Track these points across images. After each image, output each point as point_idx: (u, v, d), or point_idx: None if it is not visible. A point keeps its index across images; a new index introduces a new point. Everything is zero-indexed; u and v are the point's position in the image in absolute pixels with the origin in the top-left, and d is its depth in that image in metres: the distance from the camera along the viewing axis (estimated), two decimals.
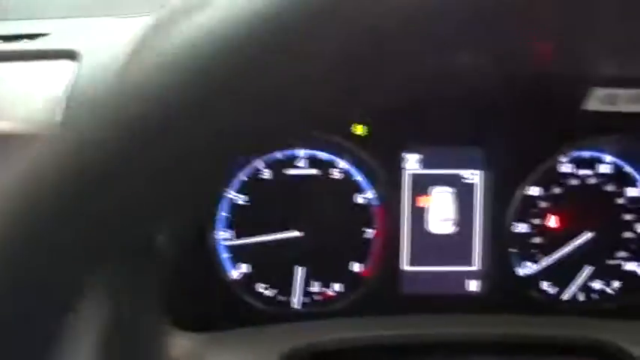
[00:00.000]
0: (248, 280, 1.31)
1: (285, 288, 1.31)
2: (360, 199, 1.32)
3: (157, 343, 1.08)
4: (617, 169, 1.35)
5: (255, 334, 1.24)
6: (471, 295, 1.37)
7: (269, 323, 1.27)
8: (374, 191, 1.30)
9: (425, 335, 1.28)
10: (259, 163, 1.30)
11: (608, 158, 1.34)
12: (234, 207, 1.30)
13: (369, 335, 1.26)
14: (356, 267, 1.33)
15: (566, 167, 1.34)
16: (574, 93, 1.15)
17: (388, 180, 1.32)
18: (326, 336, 1.24)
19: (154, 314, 1.07)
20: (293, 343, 1.21)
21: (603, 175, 1.34)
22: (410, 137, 1.33)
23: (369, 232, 1.33)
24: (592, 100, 1.14)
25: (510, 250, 1.34)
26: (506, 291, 1.34)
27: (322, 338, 1.24)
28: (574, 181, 1.34)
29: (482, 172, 1.34)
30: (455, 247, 1.36)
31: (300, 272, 1.29)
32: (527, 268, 1.35)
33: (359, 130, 1.30)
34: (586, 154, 1.34)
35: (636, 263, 1.36)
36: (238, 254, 1.31)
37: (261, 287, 1.32)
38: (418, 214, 1.34)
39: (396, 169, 1.33)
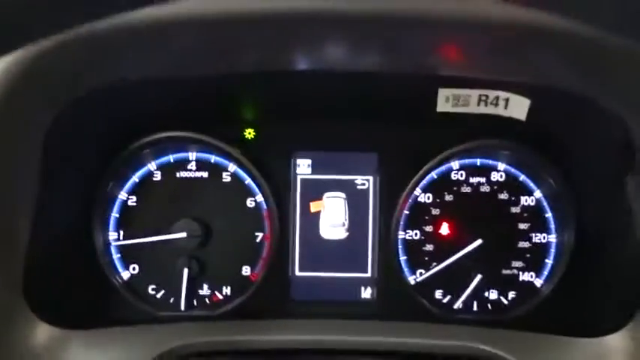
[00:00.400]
0: (137, 281, 1.32)
1: (174, 290, 1.31)
2: (250, 202, 1.33)
3: (16, 333, 1.09)
4: (511, 177, 1.34)
5: (135, 333, 1.24)
6: (364, 303, 1.35)
7: (154, 324, 1.27)
8: (264, 195, 1.31)
9: (308, 340, 1.26)
10: (152, 166, 1.32)
11: (501, 166, 1.34)
12: (125, 208, 1.32)
13: (250, 339, 1.25)
14: (245, 271, 1.33)
15: (458, 174, 1.34)
16: (425, 94, 1.16)
17: (278, 184, 1.33)
18: (205, 338, 1.24)
19: (13, 304, 1.09)
20: (170, 343, 1.21)
21: (496, 182, 1.34)
22: (300, 142, 1.34)
23: (259, 236, 1.33)
24: (441, 101, 1.15)
25: (402, 257, 1.33)
26: (398, 299, 1.33)
27: (200, 340, 1.23)
28: (466, 189, 1.34)
29: (375, 177, 1.35)
30: (347, 253, 1.35)
31: (185, 274, 1.29)
32: (418, 276, 1.34)
33: (248, 133, 1.32)
34: (478, 161, 1.34)
35: (532, 273, 1.34)
36: (128, 255, 1.32)
37: (149, 289, 1.32)
38: (309, 219, 1.35)
39: (286, 173, 1.34)
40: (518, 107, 1.14)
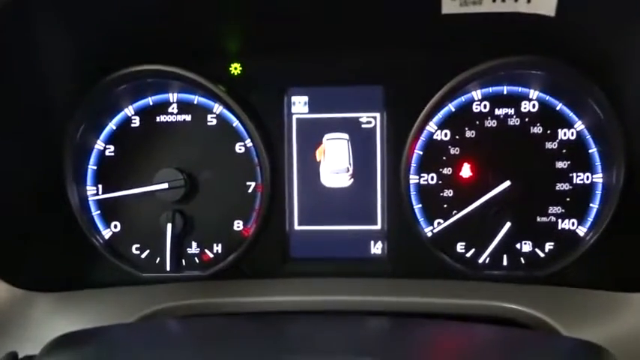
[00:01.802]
0: (119, 240, 1.19)
1: (159, 249, 1.17)
2: (239, 148, 1.17)
3: None
4: (546, 106, 1.12)
5: (115, 295, 1.12)
6: (374, 259, 1.18)
7: (139, 285, 1.14)
8: (254, 139, 1.14)
9: (310, 302, 1.10)
10: (129, 110, 1.18)
11: (534, 94, 1.12)
12: (103, 159, 1.18)
13: (244, 301, 1.11)
14: (237, 225, 1.18)
15: (480, 106, 1.13)
16: None
17: (270, 126, 1.16)
18: (194, 300, 1.10)
19: None
20: (154, 306, 1.08)
21: (528, 114, 1.12)
22: (294, 76, 1.16)
23: (251, 186, 1.17)
24: (446, 1, 0.94)
25: (416, 205, 1.14)
26: (413, 254, 1.15)
27: (188, 302, 1.09)
28: (491, 123, 1.13)
29: (382, 114, 1.16)
30: (353, 203, 1.17)
31: (169, 230, 1.15)
32: (436, 227, 1.14)
33: (234, 69, 1.16)
34: (505, 89, 1.13)
35: (574, 220, 1.12)
36: (108, 212, 1.19)
37: (133, 248, 1.19)
38: (308, 165, 1.17)
39: (279, 113, 1.17)
40: None
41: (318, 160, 1.17)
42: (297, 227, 1.18)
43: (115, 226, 1.19)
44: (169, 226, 1.15)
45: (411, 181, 1.13)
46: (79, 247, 1.17)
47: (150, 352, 0.76)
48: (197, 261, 1.18)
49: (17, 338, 1.00)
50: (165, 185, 1.15)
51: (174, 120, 1.17)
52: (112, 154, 1.18)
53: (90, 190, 1.18)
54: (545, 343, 0.81)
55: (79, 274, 1.16)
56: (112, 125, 1.18)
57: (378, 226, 1.17)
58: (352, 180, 1.17)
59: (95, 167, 1.18)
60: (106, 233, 1.19)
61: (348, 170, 1.17)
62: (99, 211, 1.19)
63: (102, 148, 1.18)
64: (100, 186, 1.18)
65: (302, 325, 0.92)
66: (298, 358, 0.75)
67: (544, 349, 0.79)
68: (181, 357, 0.74)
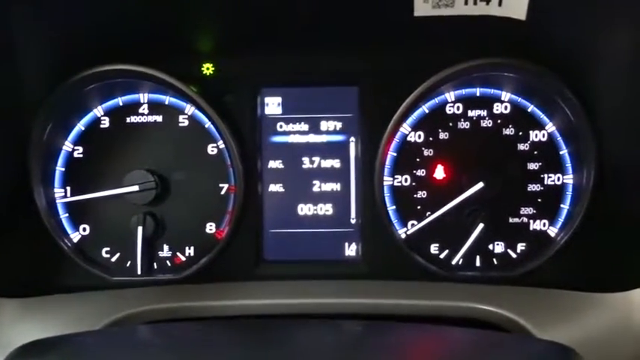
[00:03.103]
0: (88, 243, 1.16)
1: (130, 252, 1.15)
2: (211, 149, 1.15)
3: None
4: (518, 108, 1.13)
5: (84, 299, 1.09)
6: (348, 261, 1.17)
7: (108, 289, 1.12)
8: (227, 140, 1.13)
9: (284, 305, 1.09)
10: (98, 111, 1.15)
11: (506, 96, 1.13)
12: (71, 160, 1.15)
13: (217, 304, 1.09)
14: (210, 228, 1.16)
15: (454, 108, 1.14)
16: None
17: (243, 127, 1.15)
18: (165, 304, 1.08)
19: None
20: (124, 310, 1.06)
21: (500, 115, 1.13)
22: (267, 76, 1.15)
23: (224, 188, 1.15)
24: (419, 3, 0.94)
25: (390, 207, 1.14)
26: (387, 255, 1.15)
27: (159, 306, 1.08)
28: (464, 124, 1.13)
29: (355, 115, 1.15)
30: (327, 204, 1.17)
31: (140, 233, 1.13)
32: (410, 228, 1.14)
33: (206, 69, 1.14)
34: (478, 91, 1.13)
35: (545, 221, 1.13)
36: (77, 214, 1.16)
37: (103, 252, 1.16)
38: None
39: (252, 114, 1.15)
40: (515, 1, 0.92)
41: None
42: (269, 229, 1.17)
43: (84, 229, 1.16)
44: (140, 229, 1.13)
45: (385, 183, 1.13)
46: (47, 250, 1.14)
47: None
48: (169, 264, 1.16)
49: None
50: (135, 187, 1.13)
51: (144, 121, 1.15)
52: (81, 155, 1.15)
53: (58, 192, 1.15)
54: (517, 346, 0.82)
55: (47, 279, 1.13)
56: (80, 126, 1.15)
57: (353, 228, 1.17)
58: None
59: (63, 169, 1.15)
60: (75, 236, 1.16)
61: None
62: (67, 214, 1.16)
63: (70, 150, 1.15)
64: (68, 188, 1.15)
65: (275, 330, 0.91)
66: None
67: (515, 351, 0.79)
68: None
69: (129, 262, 1.15)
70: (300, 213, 1.17)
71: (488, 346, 0.79)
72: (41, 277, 1.13)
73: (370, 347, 0.82)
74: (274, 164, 1.16)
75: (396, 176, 1.14)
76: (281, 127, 1.16)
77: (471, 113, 1.13)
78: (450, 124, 1.13)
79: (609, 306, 0.98)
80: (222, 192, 1.15)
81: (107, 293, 1.11)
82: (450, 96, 1.13)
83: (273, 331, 0.86)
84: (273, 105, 1.16)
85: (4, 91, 1.03)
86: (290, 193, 1.16)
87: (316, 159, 1.16)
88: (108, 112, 1.15)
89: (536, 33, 1.01)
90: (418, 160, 1.14)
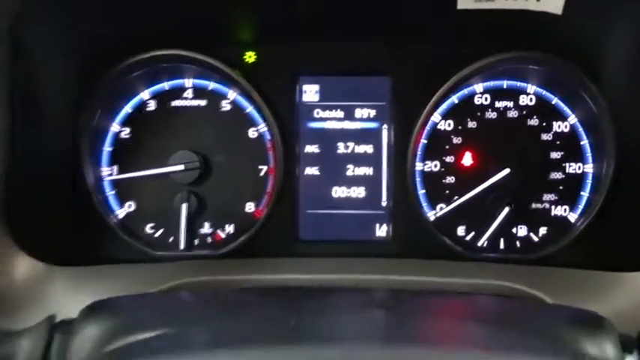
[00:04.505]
0: (133, 219, 1.22)
1: (173, 229, 1.21)
2: (252, 133, 1.22)
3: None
4: (543, 100, 1.20)
5: (131, 271, 1.15)
6: (379, 241, 1.24)
7: (151, 262, 1.18)
8: (267, 124, 1.20)
9: (317, 280, 1.15)
10: (144, 95, 1.22)
11: (531, 88, 1.20)
12: (118, 141, 1.22)
13: (254, 279, 1.15)
14: (249, 207, 1.23)
15: (482, 98, 1.20)
16: None
17: (282, 113, 1.21)
18: (206, 277, 1.14)
19: None
20: (168, 282, 1.12)
21: (525, 107, 1.20)
22: (306, 65, 1.22)
23: (263, 170, 1.22)
24: None
25: (420, 190, 1.21)
26: (416, 237, 1.21)
27: (200, 279, 1.14)
28: (491, 114, 1.20)
29: (389, 103, 1.22)
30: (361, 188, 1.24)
31: (184, 211, 1.19)
32: (438, 211, 1.21)
33: (249, 57, 1.20)
34: (505, 83, 1.20)
35: (566, 207, 1.20)
36: (123, 192, 1.22)
37: (147, 227, 1.23)
38: None
39: (290, 100, 1.22)
40: None
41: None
42: (306, 210, 1.24)
43: (130, 206, 1.22)
44: (184, 206, 1.20)
45: (416, 168, 1.20)
46: (95, 225, 1.20)
47: (191, 316, 0.81)
48: (209, 241, 1.23)
49: (40, 310, 1.03)
50: (180, 167, 1.19)
51: (189, 105, 1.22)
52: (128, 136, 1.22)
53: (105, 171, 1.22)
54: (552, 312, 0.88)
55: (95, 251, 1.20)
56: (127, 108, 1.22)
57: (383, 210, 1.23)
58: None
59: (111, 149, 1.22)
60: (121, 212, 1.22)
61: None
62: (114, 191, 1.22)
63: (118, 131, 1.22)
64: (115, 167, 1.22)
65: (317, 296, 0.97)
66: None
67: (550, 316, 0.86)
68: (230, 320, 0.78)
69: (171, 238, 1.22)
70: (334, 195, 1.23)
71: (525, 312, 0.86)
72: (89, 249, 1.19)
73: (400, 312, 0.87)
74: (311, 148, 1.23)
75: (426, 162, 1.21)
76: (318, 113, 1.23)
77: (497, 104, 1.20)
78: (478, 113, 1.20)
79: (631, 284, 1.05)
80: (262, 173, 1.22)
81: (152, 266, 1.17)
82: (479, 87, 1.20)
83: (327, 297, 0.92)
84: (310, 92, 1.22)
85: (56, 79, 1.10)
86: (325, 176, 1.23)
87: (350, 144, 1.23)
88: (154, 96, 1.22)
89: (564, 27, 1.08)
90: (447, 147, 1.21)
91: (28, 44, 0.97)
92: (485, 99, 1.20)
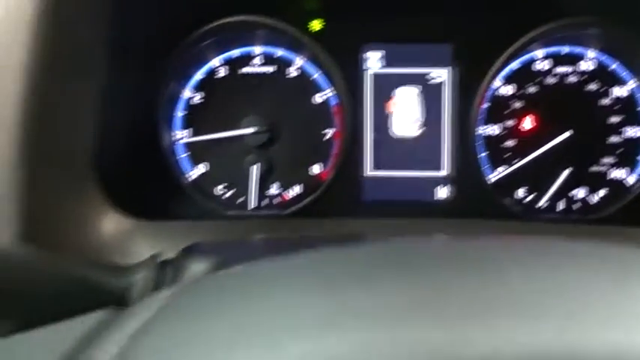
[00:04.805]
0: (205, 180, 1.29)
1: (242, 189, 1.27)
2: (318, 98, 1.27)
3: (90, 222, 1.09)
4: (602, 66, 1.23)
5: (205, 227, 1.21)
6: (439, 203, 1.28)
7: (221, 221, 1.24)
8: (333, 90, 1.25)
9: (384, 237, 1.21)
10: (215, 62, 1.28)
11: (591, 54, 1.23)
12: (190, 106, 1.28)
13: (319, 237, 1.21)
14: (315, 169, 1.28)
15: (542, 64, 1.24)
16: None
17: (347, 79, 1.26)
18: (273, 234, 1.20)
19: (85, 191, 1.08)
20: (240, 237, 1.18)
21: (585, 72, 1.23)
22: (371, 33, 1.26)
23: (329, 133, 1.27)
24: None
25: (481, 153, 1.25)
26: (476, 198, 1.25)
27: (268, 237, 1.19)
28: (551, 80, 1.24)
29: (451, 69, 1.26)
30: (422, 151, 1.28)
31: (255, 172, 1.25)
32: (499, 173, 1.25)
33: (315, 25, 1.25)
34: (565, 49, 1.24)
35: (623, 170, 1.23)
36: (195, 154, 1.29)
37: (217, 188, 1.29)
38: (381, 115, 1.27)
39: (356, 67, 1.27)
40: None
41: (390, 111, 1.28)
42: (369, 172, 1.29)
43: (202, 168, 1.29)
44: (253, 168, 1.26)
45: (477, 132, 1.24)
46: (169, 185, 1.27)
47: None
48: (276, 201, 1.29)
49: (125, 261, 1.10)
50: (250, 130, 1.25)
51: (257, 71, 1.27)
52: (200, 101, 1.28)
53: (179, 134, 1.28)
54: None
55: (171, 209, 1.26)
56: (199, 75, 1.28)
57: (444, 173, 1.28)
58: (421, 130, 1.27)
59: (184, 113, 1.28)
60: (193, 174, 1.29)
61: (418, 121, 1.27)
62: (187, 154, 1.29)
63: (190, 96, 1.28)
64: (187, 130, 1.28)
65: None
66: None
67: None
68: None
69: (241, 198, 1.28)
70: (397, 158, 1.28)
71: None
72: (166, 207, 1.25)
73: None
74: (374, 113, 1.27)
75: (487, 126, 1.25)
76: (381, 79, 1.27)
77: (558, 69, 1.23)
78: (539, 79, 1.24)
79: None
80: (327, 137, 1.27)
81: (220, 224, 1.23)
82: (539, 53, 1.23)
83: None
84: (375, 59, 1.27)
85: (131, 51, 1.16)
86: (388, 140, 1.27)
87: (413, 109, 1.27)
88: (224, 63, 1.27)
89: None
90: (508, 111, 1.24)
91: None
92: (546, 64, 1.23)
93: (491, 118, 1.25)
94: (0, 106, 0.88)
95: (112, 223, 1.09)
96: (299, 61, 1.26)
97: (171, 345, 0.32)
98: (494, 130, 1.25)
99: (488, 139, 1.25)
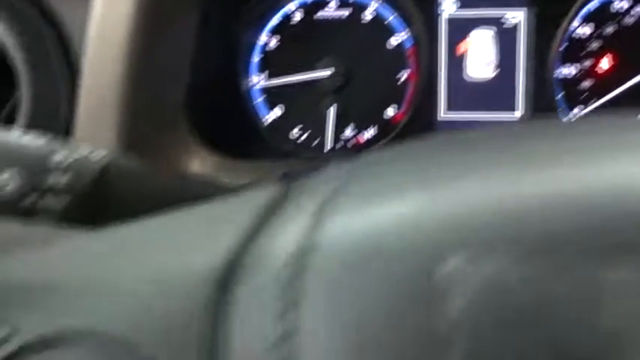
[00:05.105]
0: (281, 123, 1.31)
1: (318, 132, 1.30)
2: (392, 41, 1.28)
3: (179, 157, 1.13)
4: None
5: (283, 167, 1.24)
6: None
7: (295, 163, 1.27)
8: (408, 32, 1.26)
9: None
10: (291, 6, 1.29)
11: None
12: (266, 51, 1.30)
13: None
14: (390, 111, 1.30)
15: (621, 4, 1.23)
16: None
17: (422, 21, 1.27)
18: None
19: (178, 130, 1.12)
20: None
21: None
22: None
23: (403, 75, 1.28)
24: None
25: (557, 95, 1.25)
26: None
27: None
28: (629, 20, 1.23)
29: (526, 10, 1.26)
30: (496, 92, 1.28)
31: (332, 114, 1.27)
32: (575, 114, 1.25)
33: None
34: None
35: None
36: (271, 98, 1.31)
37: (293, 131, 1.31)
38: (456, 57, 1.28)
39: (431, 9, 1.27)
40: None
41: (464, 52, 1.28)
42: (443, 115, 1.30)
43: (278, 111, 1.31)
44: (329, 111, 1.28)
45: (554, 73, 1.24)
46: (245, 128, 1.30)
47: None
48: (351, 144, 1.31)
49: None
50: (326, 72, 1.27)
51: (332, 15, 1.29)
52: (276, 46, 1.30)
53: (255, 78, 1.31)
54: None
55: (251, 150, 1.30)
56: (275, 20, 1.30)
57: (519, 114, 1.28)
58: (496, 72, 1.28)
59: (260, 58, 1.30)
60: (269, 117, 1.31)
61: (493, 63, 1.28)
62: (263, 98, 1.31)
63: (266, 41, 1.30)
64: (264, 75, 1.31)
65: None
66: None
67: None
68: None
69: (316, 141, 1.31)
70: (471, 100, 1.29)
71: None
72: (245, 148, 1.29)
73: None
74: (450, 56, 1.28)
75: (563, 67, 1.25)
76: (456, 21, 1.28)
77: (637, 9, 1.22)
78: (616, 19, 1.23)
79: None
80: (402, 79, 1.28)
81: (297, 165, 1.26)
82: None
83: None
84: (449, 1, 1.27)
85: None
86: (462, 81, 1.28)
87: (488, 50, 1.27)
88: (299, 7, 1.29)
89: None
90: (585, 52, 1.24)
91: None
92: (625, 4, 1.22)
93: (567, 58, 1.24)
94: (109, 46, 0.93)
95: (199, 161, 1.13)
96: (374, 4, 1.27)
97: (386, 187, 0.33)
98: (570, 71, 1.25)
99: (565, 80, 1.25)
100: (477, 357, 0.23)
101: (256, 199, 0.35)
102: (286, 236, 0.29)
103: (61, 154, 0.60)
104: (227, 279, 0.28)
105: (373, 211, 0.30)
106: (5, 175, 0.57)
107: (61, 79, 1.08)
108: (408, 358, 0.24)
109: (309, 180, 0.37)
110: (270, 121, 1.31)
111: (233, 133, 1.28)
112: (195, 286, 0.28)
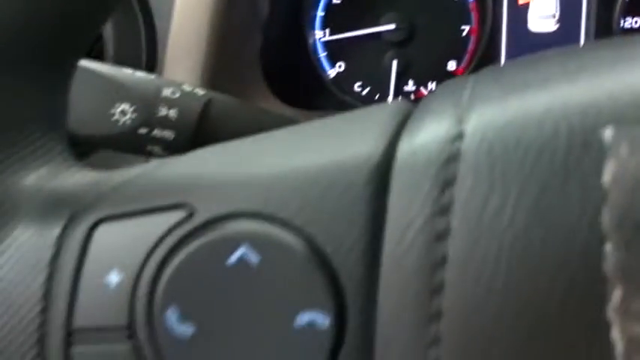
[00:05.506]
0: (344, 77, 1.35)
1: (380, 86, 1.33)
2: None
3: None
4: None
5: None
6: None
7: None
8: None
9: None
10: None
11: None
12: (330, 6, 1.34)
13: None
14: (451, 65, 1.32)
15: None
16: None
17: None
18: None
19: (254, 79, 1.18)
20: None
21: None
22: None
23: (465, 29, 1.30)
24: None
25: None
26: None
27: None
28: None
29: None
30: (559, 46, 1.29)
31: (394, 67, 1.31)
32: None
33: None
34: None
35: None
36: (334, 52, 1.35)
37: (356, 85, 1.35)
38: (518, 10, 1.29)
39: None
40: None
41: (526, 5, 1.29)
42: None
43: (340, 66, 1.35)
44: (392, 64, 1.31)
45: (618, 25, 1.25)
46: (310, 82, 1.34)
47: None
48: (413, 97, 1.34)
49: None
50: (390, 26, 1.30)
51: None
52: (339, 1, 1.33)
53: (319, 33, 1.34)
54: None
55: (318, 102, 1.34)
56: None
57: None
58: (558, 25, 1.29)
59: (323, 13, 1.34)
60: (332, 72, 1.35)
61: (555, 16, 1.28)
62: (326, 52, 1.35)
63: None
64: (327, 30, 1.34)
65: None
66: None
67: None
68: None
69: (378, 94, 1.34)
70: (533, 54, 1.30)
71: None
72: (313, 99, 1.33)
73: None
74: (512, 9, 1.29)
75: (626, 19, 1.25)
76: None
77: None
78: None
79: None
80: (464, 33, 1.30)
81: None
82: None
83: None
84: None
85: None
86: (523, 35, 1.30)
87: (550, 5, 1.28)
88: None
89: None
90: None
91: None
92: None
93: (630, 11, 1.25)
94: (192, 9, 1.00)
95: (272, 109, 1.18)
96: None
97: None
98: (633, 22, 1.25)
99: (630, 32, 1.25)
100: (631, 211, 0.26)
101: (393, 106, 0.39)
102: (436, 127, 0.33)
103: (169, 90, 0.65)
104: (386, 164, 0.32)
105: (521, 99, 0.33)
106: (122, 107, 0.62)
107: (142, 23, 1.13)
108: (563, 223, 0.27)
109: (440, 88, 0.40)
110: (334, 75, 1.35)
111: (301, 85, 1.32)
112: (356, 170, 0.33)
